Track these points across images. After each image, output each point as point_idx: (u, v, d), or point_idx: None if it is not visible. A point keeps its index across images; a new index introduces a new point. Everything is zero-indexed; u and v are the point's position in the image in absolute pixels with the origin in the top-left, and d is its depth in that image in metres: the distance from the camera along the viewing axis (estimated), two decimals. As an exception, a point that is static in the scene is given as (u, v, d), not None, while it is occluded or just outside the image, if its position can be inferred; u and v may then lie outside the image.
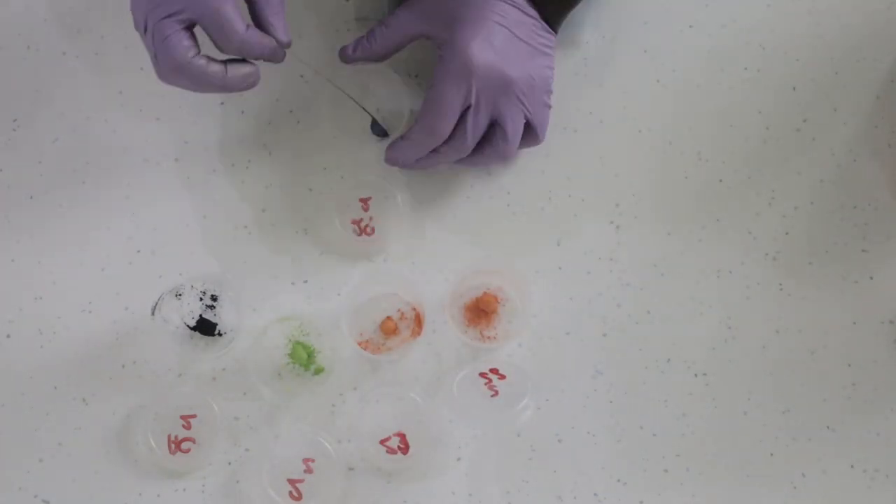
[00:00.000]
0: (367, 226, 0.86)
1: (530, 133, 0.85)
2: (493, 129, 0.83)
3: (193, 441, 0.82)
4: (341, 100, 0.87)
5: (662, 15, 0.92)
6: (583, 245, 0.88)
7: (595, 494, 0.83)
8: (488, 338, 0.85)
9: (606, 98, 0.91)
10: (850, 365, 0.86)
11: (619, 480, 0.83)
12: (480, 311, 0.85)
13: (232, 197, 0.88)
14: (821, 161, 0.90)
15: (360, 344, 0.84)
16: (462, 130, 0.82)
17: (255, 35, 0.76)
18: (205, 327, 0.83)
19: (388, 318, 0.85)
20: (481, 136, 0.83)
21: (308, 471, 0.81)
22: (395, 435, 0.82)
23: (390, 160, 0.86)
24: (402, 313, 0.85)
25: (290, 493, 0.80)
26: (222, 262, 0.86)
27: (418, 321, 0.85)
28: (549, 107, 0.85)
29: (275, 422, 0.83)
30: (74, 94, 0.89)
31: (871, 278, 0.88)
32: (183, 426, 0.82)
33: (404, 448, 0.82)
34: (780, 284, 0.88)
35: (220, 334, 0.83)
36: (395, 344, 0.85)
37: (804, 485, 0.84)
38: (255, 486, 0.81)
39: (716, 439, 0.84)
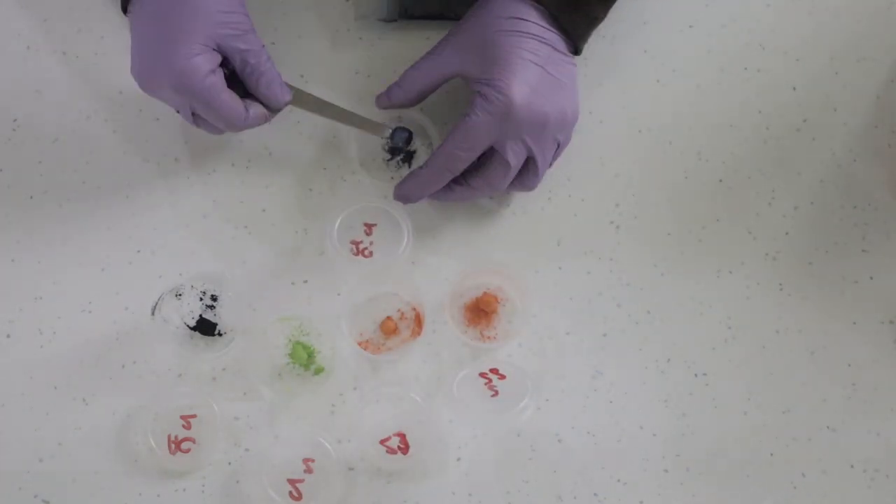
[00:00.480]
0: (365, 248, 0.86)
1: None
2: (526, 163, 0.83)
3: (193, 441, 0.82)
4: (343, 98, 0.87)
5: (662, 15, 0.92)
6: (583, 245, 0.88)
7: (595, 494, 0.83)
8: (488, 338, 0.85)
9: (606, 98, 0.90)
10: (850, 365, 0.86)
11: (619, 480, 0.83)
12: (480, 311, 0.85)
13: (232, 197, 0.88)
14: (821, 161, 0.90)
15: (360, 344, 0.84)
16: (502, 168, 0.82)
17: (257, 114, 0.81)
18: (205, 327, 0.83)
19: (388, 318, 0.85)
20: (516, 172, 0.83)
21: (308, 471, 0.81)
22: (395, 435, 0.82)
23: (402, 197, 0.84)
24: (402, 313, 0.85)
25: (290, 493, 0.80)
26: (222, 262, 0.86)
27: (418, 321, 0.85)
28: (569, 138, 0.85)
29: (275, 422, 0.83)
30: (74, 94, 0.89)
31: (871, 278, 0.88)
32: (183, 426, 0.82)
33: (404, 448, 0.82)
34: (780, 284, 0.88)
35: (220, 334, 0.83)
36: (395, 344, 0.85)
37: (804, 485, 0.84)
38: (255, 486, 0.81)
39: (716, 439, 0.84)
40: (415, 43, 0.89)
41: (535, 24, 0.81)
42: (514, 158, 0.81)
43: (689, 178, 0.90)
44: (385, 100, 0.85)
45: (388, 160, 0.87)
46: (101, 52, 0.90)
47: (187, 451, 0.82)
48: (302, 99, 0.84)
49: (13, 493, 0.82)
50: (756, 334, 0.87)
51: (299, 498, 0.80)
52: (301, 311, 0.84)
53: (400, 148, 0.87)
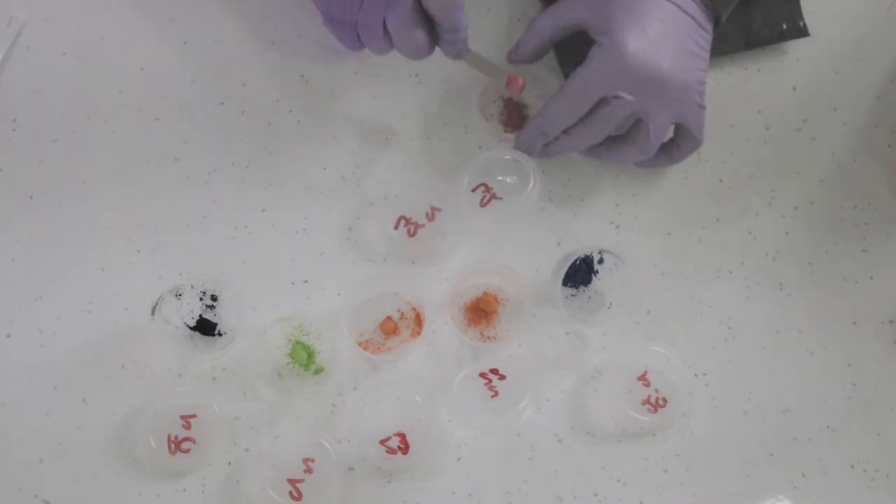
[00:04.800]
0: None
1: (686, 135, 0.85)
2: (637, 125, 0.83)
3: (193, 441, 0.82)
4: (343, 98, 0.87)
5: (662, 15, 0.92)
6: (583, 245, 0.88)
7: (595, 494, 0.83)
8: (488, 338, 0.85)
9: (606, 98, 0.90)
10: (850, 365, 0.86)
11: (619, 480, 0.83)
12: (480, 311, 0.85)
13: (232, 197, 0.88)
14: (821, 161, 0.90)
15: (360, 344, 0.84)
16: (602, 116, 0.81)
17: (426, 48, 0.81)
18: (205, 327, 0.83)
19: (388, 318, 0.85)
20: (618, 125, 0.83)
21: (308, 471, 0.81)
22: (395, 435, 0.82)
23: (521, 147, 0.85)
24: (402, 313, 0.85)
25: (290, 493, 0.80)
26: (222, 262, 0.86)
27: (418, 321, 0.85)
28: (703, 107, 0.84)
29: (275, 422, 0.83)
30: (74, 94, 0.89)
31: (871, 278, 0.88)
32: (183, 426, 0.82)
33: (404, 448, 0.82)
34: (780, 284, 0.88)
35: (220, 334, 0.83)
36: (395, 344, 0.85)
37: (804, 485, 0.84)
38: (255, 486, 0.81)
39: (716, 439, 0.84)
40: (415, 43, 0.89)
41: None
42: (622, 108, 0.80)
43: (688, 178, 0.90)
44: (514, 53, 0.86)
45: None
46: (100, 52, 0.90)
47: (187, 451, 0.82)
48: (470, 58, 0.85)
49: (13, 493, 0.81)
50: (756, 334, 0.87)
51: (299, 498, 0.80)
52: (301, 311, 0.85)
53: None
